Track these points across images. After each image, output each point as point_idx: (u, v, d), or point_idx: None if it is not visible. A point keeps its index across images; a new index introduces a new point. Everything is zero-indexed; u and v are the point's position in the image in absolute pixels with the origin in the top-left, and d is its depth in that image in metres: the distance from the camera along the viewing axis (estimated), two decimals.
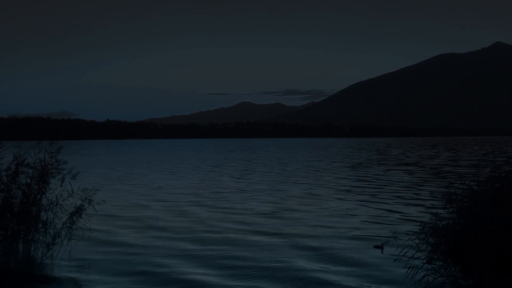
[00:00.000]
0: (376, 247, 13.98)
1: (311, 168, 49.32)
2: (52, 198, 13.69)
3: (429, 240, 10.74)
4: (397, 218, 19.24)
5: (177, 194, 27.74)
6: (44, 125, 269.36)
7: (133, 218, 19.55)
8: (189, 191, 29.32)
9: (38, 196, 13.60)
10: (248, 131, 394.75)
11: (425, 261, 10.81)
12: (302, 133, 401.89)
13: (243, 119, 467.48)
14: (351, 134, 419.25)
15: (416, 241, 10.89)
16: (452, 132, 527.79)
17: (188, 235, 16.39)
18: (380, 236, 15.55)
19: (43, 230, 13.46)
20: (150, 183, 33.98)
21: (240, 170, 46.87)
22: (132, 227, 17.72)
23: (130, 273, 12.01)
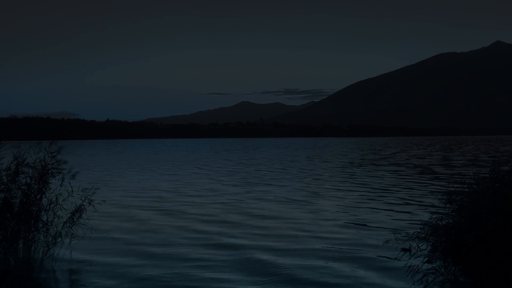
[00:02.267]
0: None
1: (303, 169, 49.32)
2: (52, 198, 13.69)
3: (429, 239, 10.74)
4: (397, 219, 19.22)
5: (161, 195, 27.74)
6: (44, 125, 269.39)
7: (127, 219, 19.56)
8: (173, 191, 29.24)
9: (38, 196, 13.60)
10: (248, 131, 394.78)
11: (425, 260, 10.81)
12: (302, 133, 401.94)
13: (243, 119, 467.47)
14: (351, 134, 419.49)
15: (416, 240, 10.90)
16: (452, 132, 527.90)
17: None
18: (381, 236, 15.55)
19: (44, 230, 13.45)
20: (135, 183, 34.01)
21: (224, 171, 46.62)
22: (127, 228, 17.73)
23: (131, 273, 12.01)
